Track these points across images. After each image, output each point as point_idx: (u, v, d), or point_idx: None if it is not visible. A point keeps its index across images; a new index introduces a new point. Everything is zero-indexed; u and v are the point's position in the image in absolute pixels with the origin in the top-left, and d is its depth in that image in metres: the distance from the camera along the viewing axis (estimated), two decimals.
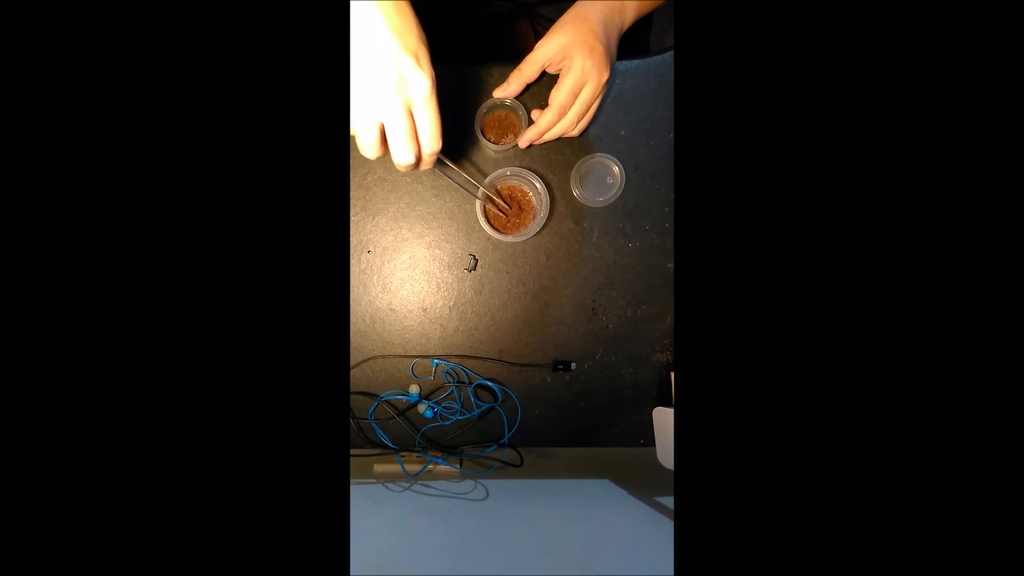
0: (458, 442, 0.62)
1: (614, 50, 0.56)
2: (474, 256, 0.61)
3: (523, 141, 0.58)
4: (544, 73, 0.56)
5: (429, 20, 0.42)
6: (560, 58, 0.54)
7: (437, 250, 0.61)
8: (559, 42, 0.53)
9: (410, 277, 0.61)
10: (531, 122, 0.57)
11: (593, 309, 0.62)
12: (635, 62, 0.62)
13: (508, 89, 0.56)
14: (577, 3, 0.55)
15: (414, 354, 0.61)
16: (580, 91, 0.54)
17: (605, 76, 0.54)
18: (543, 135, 0.57)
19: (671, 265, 0.62)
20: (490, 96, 0.59)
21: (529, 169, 0.58)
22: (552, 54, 0.54)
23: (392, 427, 0.61)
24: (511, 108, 0.59)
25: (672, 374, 0.62)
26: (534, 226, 0.58)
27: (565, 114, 0.55)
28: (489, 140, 0.59)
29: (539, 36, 0.84)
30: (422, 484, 0.61)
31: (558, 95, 0.54)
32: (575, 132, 0.57)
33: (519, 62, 0.56)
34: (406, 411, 0.61)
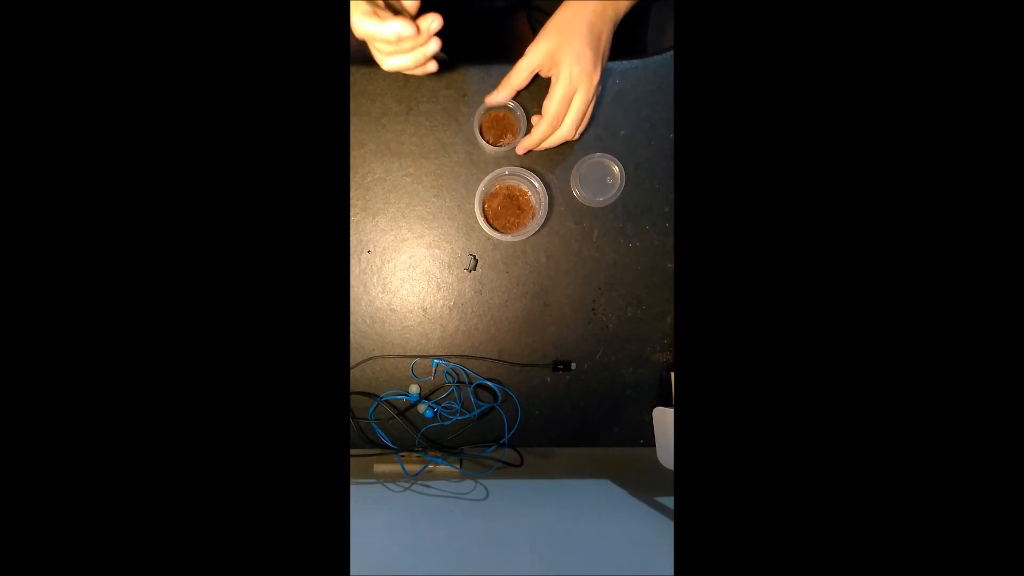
0: (458, 442, 0.62)
1: (606, 47, 0.55)
2: (474, 256, 0.61)
3: (520, 148, 0.57)
4: (538, 76, 0.56)
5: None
6: (549, 65, 0.53)
7: (437, 250, 0.61)
8: (545, 48, 0.52)
9: (410, 277, 0.61)
10: (530, 126, 0.57)
11: (593, 309, 0.62)
12: (635, 62, 0.62)
13: (499, 96, 0.56)
14: (564, 4, 0.54)
15: (414, 354, 0.61)
16: (572, 99, 0.53)
17: (596, 79, 0.53)
18: (540, 145, 0.56)
19: (671, 265, 0.62)
20: (489, 95, 0.59)
21: (528, 169, 0.58)
22: (539, 61, 0.53)
23: (392, 427, 0.61)
24: (509, 108, 0.59)
25: (672, 374, 0.62)
26: (533, 226, 0.58)
27: (559, 125, 0.54)
28: (487, 141, 0.59)
29: (536, 31, 0.84)
30: (422, 484, 0.61)
31: (551, 105, 0.53)
32: (574, 136, 0.57)
33: (517, 60, 0.56)
34: (406, 411, 0.61)
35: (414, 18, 0.44)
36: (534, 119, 0.57)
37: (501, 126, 0.60)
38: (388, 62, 0.47)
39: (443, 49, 0.46)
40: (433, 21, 0.43)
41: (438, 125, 0.61)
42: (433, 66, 0.49)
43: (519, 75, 0.54)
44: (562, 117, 0.54)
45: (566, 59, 0.52)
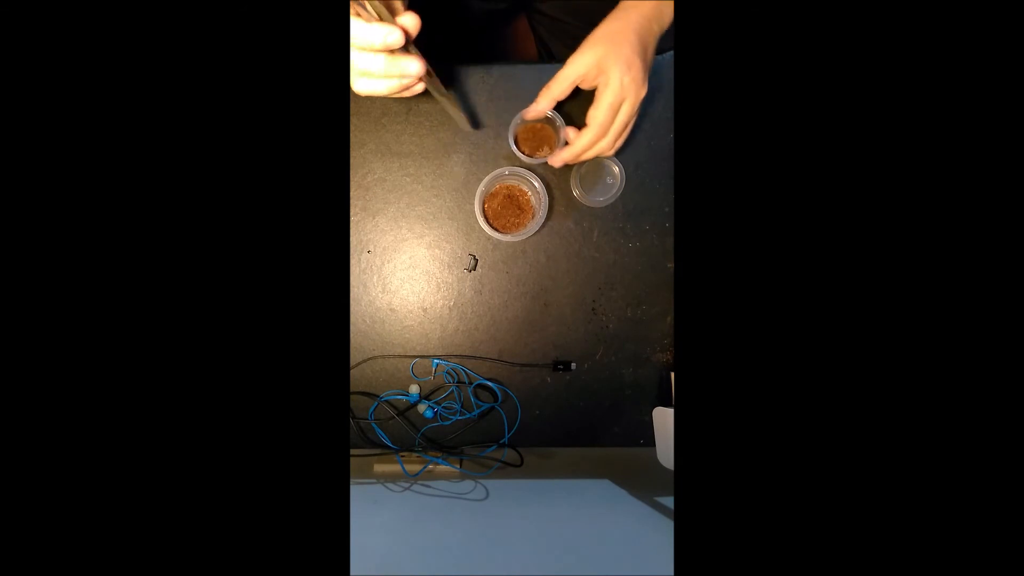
0: (458, 442, 0.62)
1: (652, 59, 0.53)
2: (474, 256, 0.61)
3: (557, 160, 0.55)
4: (577, 90, 0.53)
5: (427, 20, 0.42)
6: (595, 74, 0.50)
7: (437, 250, 0.61)
8: (592, 57, 0.50)
9: (410, 277, 0.61)
10: (565, 141, 0.55)
11: (593, 309, 0.62)
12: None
13: (539, 107, 0.53)
14: (611, 15, 0.52)
15: (414, 354, 0.61)
16: (620, 108, 0.51)
17: (643, 92, 0.51)
18: (580, 156, 0.54)
19: (671, 265, 0.62)
20: (490, 95, 0.58)
21: (528, 169, 0.58)
22: (585, 70, 0.50)
23: (392, 427, 0.61)
24: (548, 119, 0.56)
25: (672, 374, 0.62)
26: (533, 226, 0.58)
27: (606, 133, 0.52)
28: (523, 152, 0.57)
29: (537, 34, 0.84)
30: (422, 484, 0.61)
31: (597, 114, 0.51)
32: (611, 151, 0.55)
33: (518, 61, 0.55)
34: (406, 411, 0.61)
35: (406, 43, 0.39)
36: (570, 132, 0.54)
37: (538, 138, 0.59)
38: (359, 84, 0.41)
39: (448, 50, 0.44)
40: (413, 63, 0.39)
41: (438, 125, 0.61)
42: (420, 86, 0.43)
43: (561, 84, 0.52)
44: (609, 125, 0.51)
45: (615, 67, 0.49)
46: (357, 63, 0.39)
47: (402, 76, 0.40)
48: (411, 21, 0.39)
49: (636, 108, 0.52)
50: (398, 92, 0.42)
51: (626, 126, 0.53)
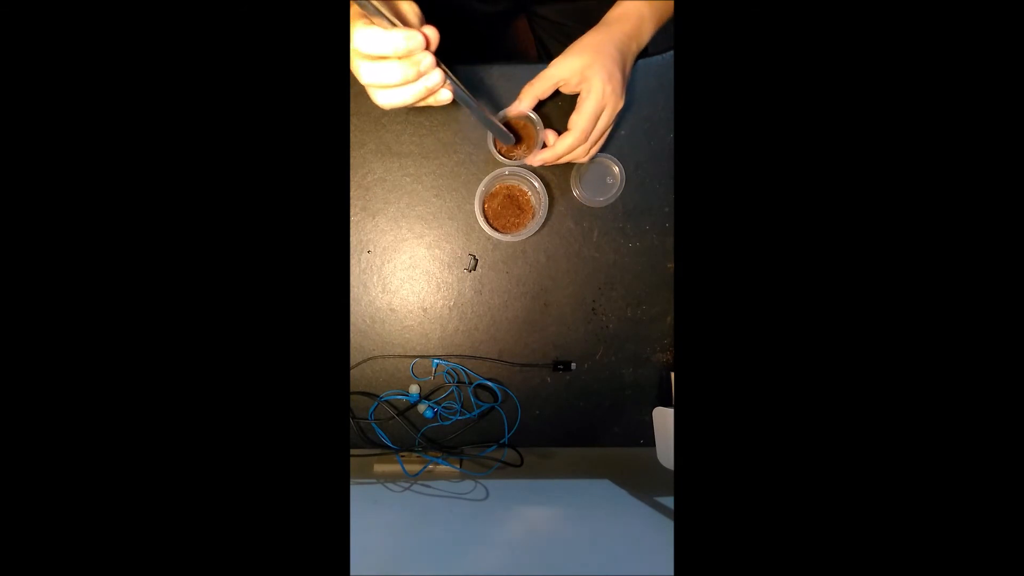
0: (458, 442, 0.62)
1: (629, 74, 0.55)
2: (474, 256, 0.61)
3: (537, 160, 0.55)
4: (555, 92, 0.54)
5: (429, 20, 0.42)
6: (577, 80, 0.52)
7: (437, 250, 0.61)
8: (576, 63, 0.52)
9: (410, 277, 0.61)
10: (544, 143, 0.55)
11: (593, 309, 0.62)
12: (636, 62, 0.62)
13: (521, 105, 0.54)
14: (595, 28, 0.54)
15: (414, 354, 0.61)
16: (600, 114, 0.52)
17: (620, 104, 0.53)
18: (559, 159, 0.55)
19: (671, 265, 0.62)
20: (489, 95, 0.58)
21: (528, 169, 0.58)
22: (568, 75, 0.52)
23: (392, 427, 0.61)
24: (528, 118, 0.57)
25: (672, 374, 0.62)
26: (533, 225, 0.58)
27: (587, 138, 0.53)
28: (500, 152, 0.57)
29: (537, 36, 0.84)
30: (422, 484, 0.61)
31: (579, 119, 0.52)
32: (585, 159, 0.56)
33: (519, 62, 0.55)
34: (406, 411, 0.61)
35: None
36: (549, 135, 0.55)
37: (519, 137, 0.59)
38: (382, 96, 0.40)
39: (445, 49, 0.44)
40: (427, 57, 0.38)
41: (438, 125, 0.61)
42: (447, 95, 0.42)
43: (544, 83, 0.53)
44: (590, 131, 0.53)
45: (598, 76, 0.51)
46: (377, 76, 0.39)
47: (419, 74, 0.39)
48: (432, 33, 0.39)
49: (613, 118, 0.54)
50: (424, 98, 0.41)
51: (603, 134, 0.54)
